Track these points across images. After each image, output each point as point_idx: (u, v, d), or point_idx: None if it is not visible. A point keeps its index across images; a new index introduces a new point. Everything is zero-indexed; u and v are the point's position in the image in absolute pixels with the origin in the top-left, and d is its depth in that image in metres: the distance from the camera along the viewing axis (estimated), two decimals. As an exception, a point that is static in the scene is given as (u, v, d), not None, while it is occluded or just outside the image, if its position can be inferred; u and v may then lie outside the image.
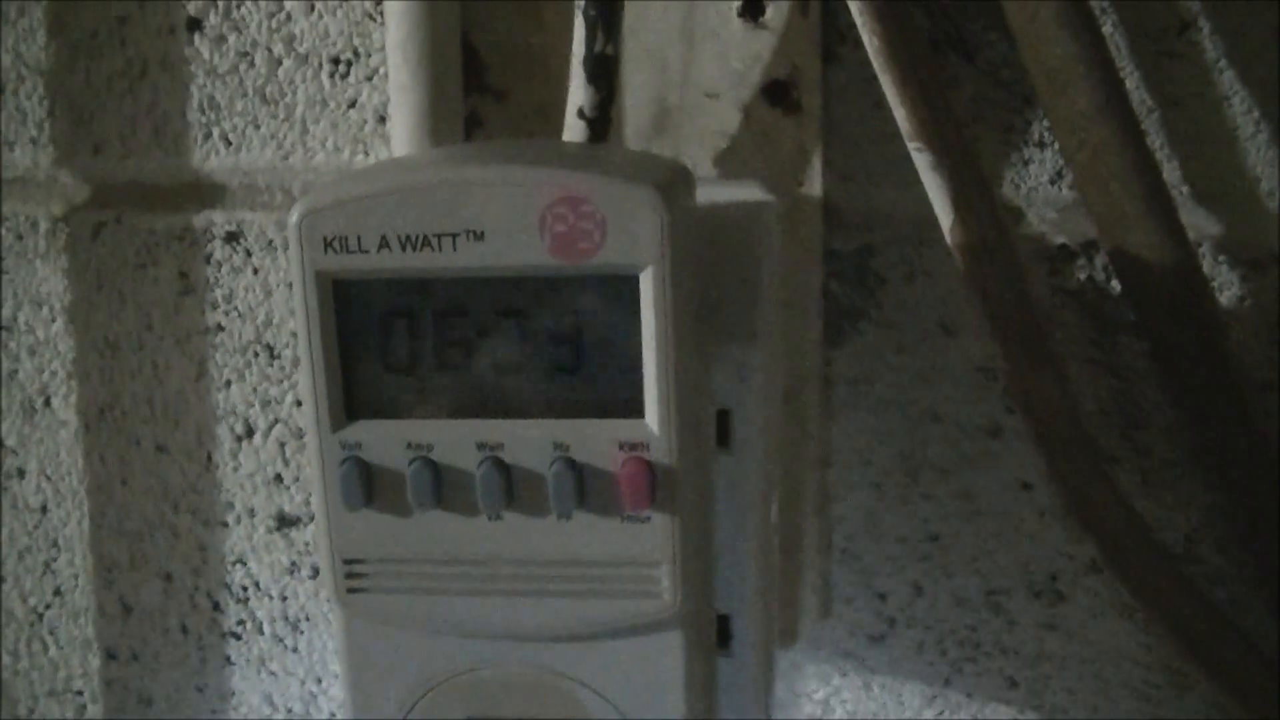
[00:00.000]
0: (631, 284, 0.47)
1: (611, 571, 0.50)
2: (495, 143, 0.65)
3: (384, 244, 0.47)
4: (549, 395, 0.49)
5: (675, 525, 0.49)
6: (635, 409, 0.48)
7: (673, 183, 0.48)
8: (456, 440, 0.49)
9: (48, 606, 0.79)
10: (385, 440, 0.49)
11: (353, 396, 0.49)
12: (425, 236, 0.46)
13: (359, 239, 0.47)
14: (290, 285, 0.70)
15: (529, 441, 0.49)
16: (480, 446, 0.49)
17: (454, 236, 0.46)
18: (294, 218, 0.47)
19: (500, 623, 0.51)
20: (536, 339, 0.48)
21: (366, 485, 0.49)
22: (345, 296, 0.48)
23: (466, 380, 0.49)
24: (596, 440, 0.48)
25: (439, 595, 0.51)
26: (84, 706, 0.80)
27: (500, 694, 0.53)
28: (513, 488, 0.49)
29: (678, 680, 0.51)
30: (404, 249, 0.47)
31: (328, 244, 0.47)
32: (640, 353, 0.48)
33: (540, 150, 0.54)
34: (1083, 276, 0.67)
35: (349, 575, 0.51)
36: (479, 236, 0.46)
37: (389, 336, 0.49)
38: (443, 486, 0.49)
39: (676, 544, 0.49)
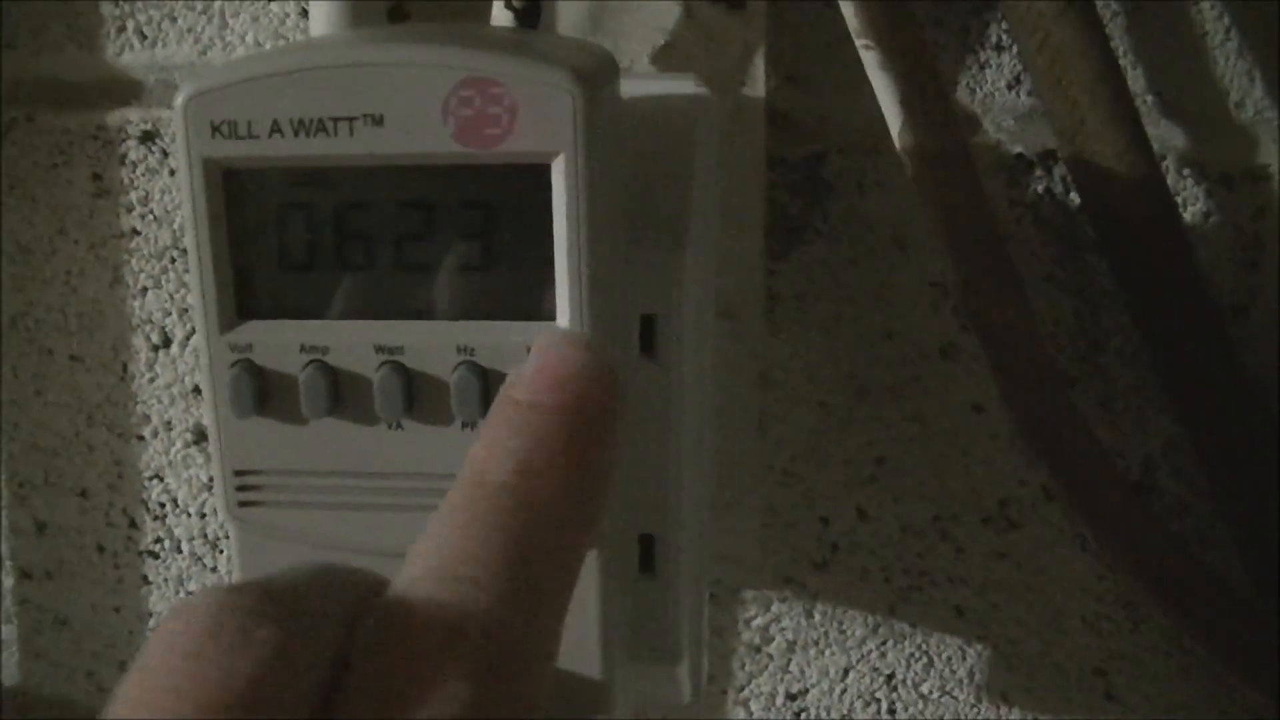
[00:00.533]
0: (543, 174, 0.45)
1: None
2: (405, 25, 0.63)
3: (276, 129, 0.44)
4: (454, 295, 0.47)
5: None
6: (546, 311, 0.46)
7: (591, 68, 0.46)
8: (353, 343, 0.47)
9: None
10: (277, 342, 0.47)
11: (243, 295, 0.47)
12: (320, 120, 0.44)
13: (249, 124, 0.44)
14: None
15: (431, 345, 0.47)
16: (379, 350, 0.47)
17: (351, 121, 0.44)
18: (179, 100, 0.45)
19: (400, 539, 0.48)
20: (440, 234, 0.46)
21: (258, 391, 0.47)
22: (235, 186, 0.46)
23: (365, 278, 0.47)
24: (504, 344, 0.46)
25: (336, 509, 0.49)
26: (-2, 627, 0.80)
27: None
28: (413, 394, 0.47)
29: (591, 604, 0.49)
30: (297, 134, 0.44)
31: (215, 128, 0.44)
32: (551, 249, 0.46)
33: (450, 33, 0.53)
34: (1040, 189, 0.66)
35: (240, 488, 0.49)
36: (378, 121, 0.44)
37: (282, 230, 0.47)
38: (339, 392, 0.47)
39: None
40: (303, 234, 0.47)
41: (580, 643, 0.50)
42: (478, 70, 0.43)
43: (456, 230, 0.46)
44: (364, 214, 0.46)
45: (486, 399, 0.46)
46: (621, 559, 0.51)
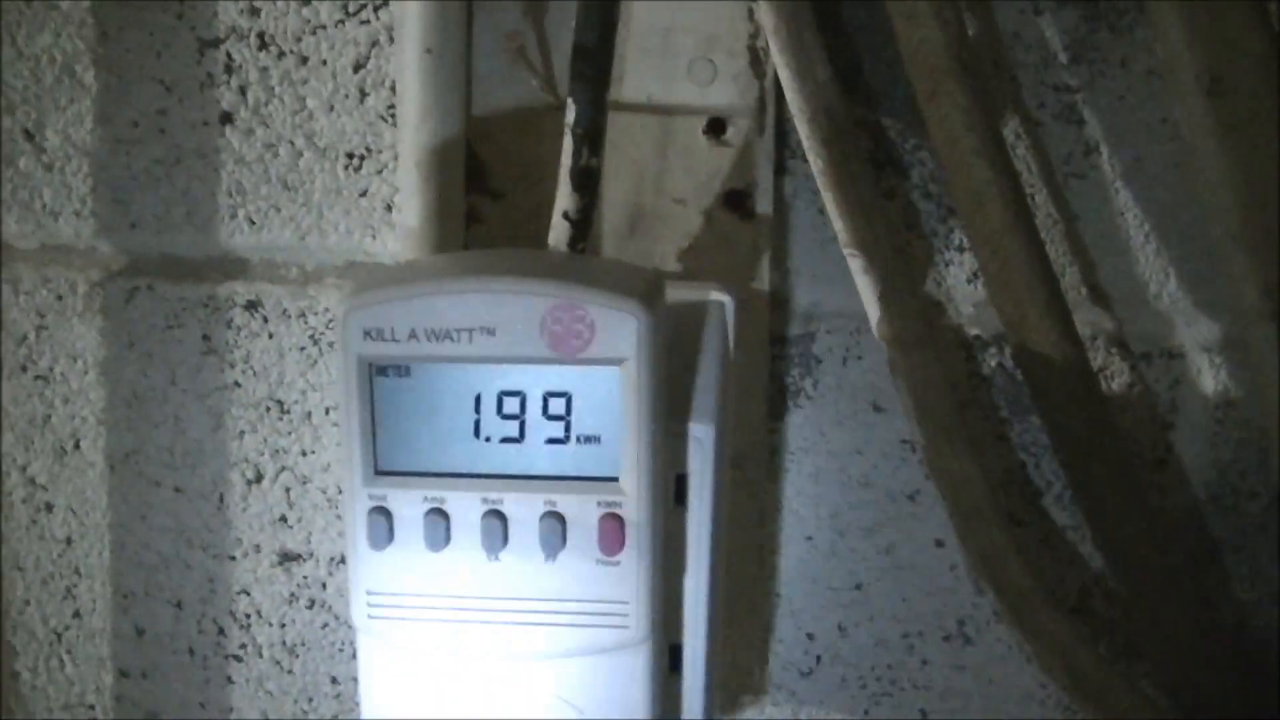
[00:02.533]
0: (613, 374, 0.54)
1: (589, 605, 0.57)
2: (501, 252, 0.70)
3: (413, 335, 0.54)
4: (542, 461, 0.56)
5: (641, 568, 0.56)
6: (613, 474, 0.56)
7: (648, 291, 0.55)
8: (465, 495, 0.56)
9: (66, 628, 0.80)
10: (406, 494, 0.56)
11: (380, 457, 0.56)
12: (447, 330, 0.54)
13: (392, 330, 0.54)
14: (302, 348, 0.74)
15: (524, 498, 0.56)
16: (484, 501, 0.56)
17: (470, 331, 0.54)
18: (342, 311, 0.54)
19: (495, 646, 0.58)
20: (533, 415, 0.56)
21: (389, 530, 0.56)
22: (379, 376, 0.55)
23: (475, 447, 0.56)
24: (579, 498, 0.56)
25: (445, 624, 0.58)
26: None
27: (492, 706, 0.59)
28: (508, 535, 0.56)
29: (642, 697, 0.58)
30: (429, 340, 0.54)
31: (366, 334, 0.54)
32: (618, 430, 0.55)
33: (540, 261, 0.61)
34: (994, 363, 0.71)
35: (370, 605, 0.58)
36: (490, 333, 0.53)
37: (412, 410, 0.56)
38: (451, 533, 0.56)
39: (642, 583, 0.56)
40: (428, 413, 0.56)
41: None
42: (567, 297, 0.53)
43: (545, 413, 0.55)
44: (475, 399, 0.56)
45: (564, 539, 0.56)
46: (660, 660, 0.60)
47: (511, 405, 0.56)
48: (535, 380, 0.55)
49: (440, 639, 0.58)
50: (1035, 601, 0.67)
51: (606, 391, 0.55)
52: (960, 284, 0.71)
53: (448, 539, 0.57)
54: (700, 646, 0.61)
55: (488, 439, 0.56)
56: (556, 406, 0.55)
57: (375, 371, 0.55)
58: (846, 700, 0.77)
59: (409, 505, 0.57)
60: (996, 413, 0.72)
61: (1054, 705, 0.75)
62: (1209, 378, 0.71)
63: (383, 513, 0.57)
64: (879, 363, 0.70)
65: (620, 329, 0.53)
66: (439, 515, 0.56)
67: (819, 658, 0.76)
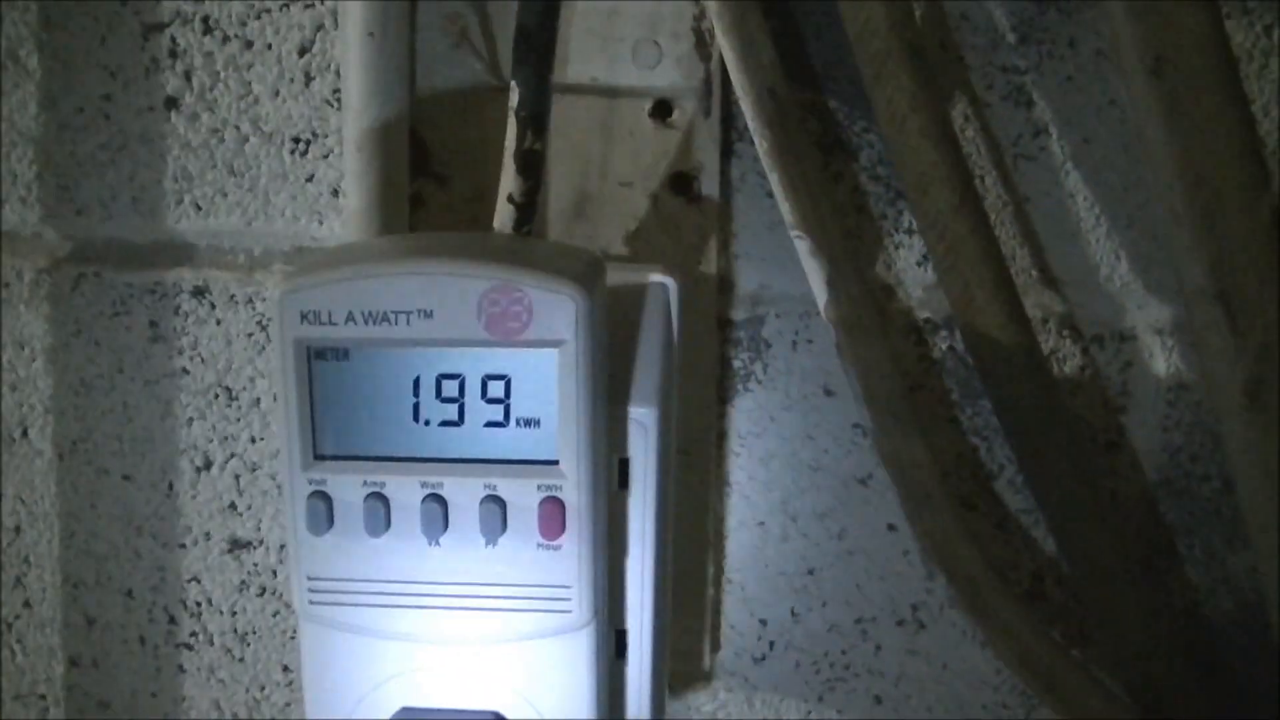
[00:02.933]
0: (551, 357, 0.54)
1: (530, 590, 0.57)
2: (440, 235, 0.70)
3: (350, 318, 0.54)
4: (481, 444, 0.56)
5: (583, 552, 0.56)
6: (552, 458, 0.55)
7: (587, 273, 0.55)
8: (404, 479, 0.56)
9: (17, 617, 0.80)
10: (345, 478, 0.56)
11: (319, 441, 0.56)
12: (384, 313, 0.53)
13: (329, 313, 0.54)
14: (249, 334, 0.74)
15: (464, 482, 0.56)
16: (423, 485, 0.56)
17: (408, 314, 0.53)
18: (277, 294, 0.54)
19: (436, 631, 0.58)
20: (472, 399, 0.55)
21: (328, 515, 0.56)
22: (317, 360, 0.55)
23: (414, 431, 0.56)
24: (519, 482, 0.55)
25: (386, 608, 0.57)
26: (47, 709, 0.82)
27: (432, 691, 0.59)
28: (449, 518, 0.56)
29: (585, 682, 0.58)
30: (366, 323, 0.53)
31: (304, 317, 0.54)
32: (557, 413, 0.55)
33: (479, 243, 0.61)
34: (945, 346, 0.71)
35: (311, 590, 0.58)
36: (429, 315, 0.53)
37: (351, 394, 0.56)
38: (391, 517, 0.56)
39: (583, 568, 0.56)
40: (367, 396, 0.56)
41: (576, 712, 0.59)
42: (503, 279, 0.53)
43: (484, 396, 0.55)
44: (414, 382, 0.56)
45: (505, 523, 0.56)
46: (605, 646, 0.60)
47: (450, 388, 0.55)
48: (474, 363, 0.55)
49: (381, 624, 0.58)
50: (987, 587, 0.67)
51: (545, 374, 0.55)
52: (910, 267, 0.71)
53: (388, 524, 0.57)
54: (646, 632, 0.62)
55: (427, 422, 0.56)
56: (495, 389, 0.55)
57: (313, 355, 0.55)
58: (800, 686, 0.77)
59: (348, 489, 0.56)
60: (948, 396, 0.72)
61: (1009, 690, 0.75)
62: (1160, 360, 0.71)
63: (322, 497, 0.56)
64: (829, 346, 0.69)
65: (558, 311, 0.53)
66: (378, 500, 0.56)
67: (772, 644, 0.76)
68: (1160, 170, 0.59)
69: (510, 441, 0.56)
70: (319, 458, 0.57)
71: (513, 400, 0.55)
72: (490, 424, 0.56)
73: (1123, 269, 0.70)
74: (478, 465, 0.56)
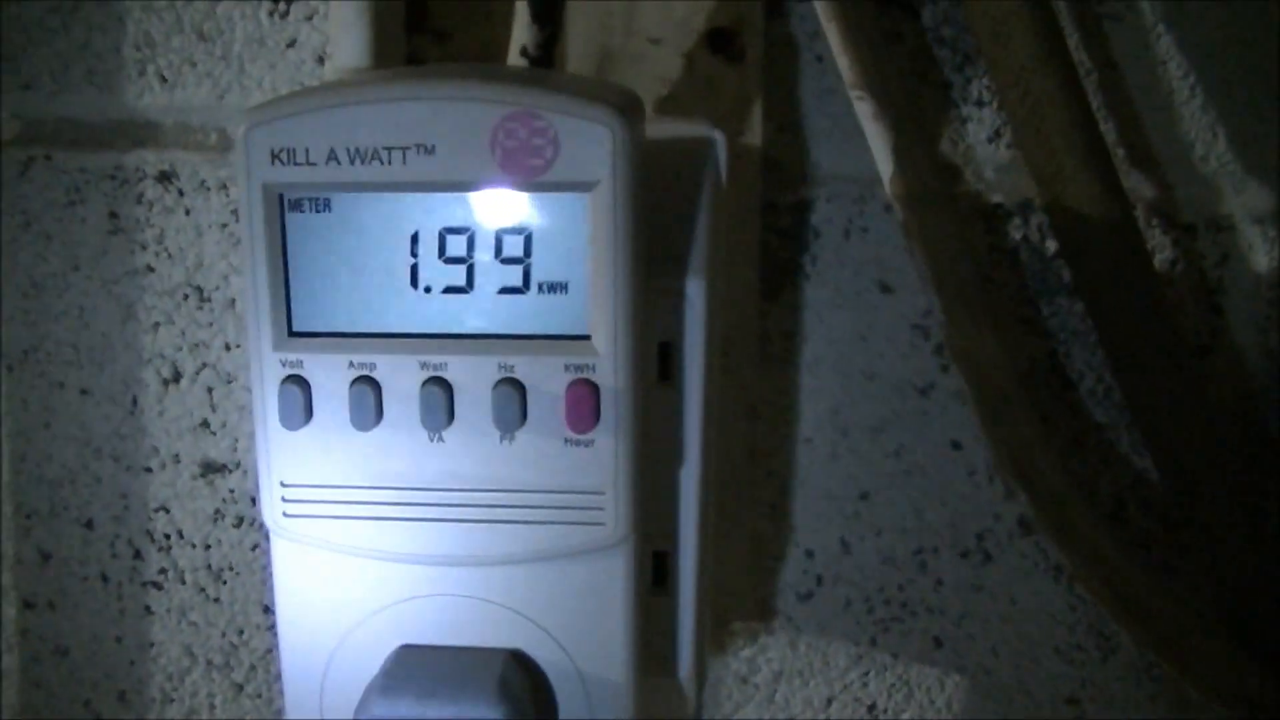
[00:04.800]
0: (582, 203, 0.47)
1: (554, 497, 0.50)
2: (444, 64, 0.65)
3: (332, 157, 0.47)
4: (495, 316, 0.49)
5: (620, 450, 0.49)
6: (582, 331, 0.49)
7: (625, 104, 0.48)
8: (399, 360, 0.49)
9: None
10: (326, 359, 0.49)
11: (294, 314, 0.50)
12: (375, 149, 0.47)
13: (306, 151, 0.47)
14: (223, 225, 0.71)
15: (473, 362, 0.49)
16: (423, 366, 0.49)
17: (403, 150, 0.47)
18: (241, 129, 0.47)
19: (439, 548, 0.51)
20: (483, 259, 0.49)
21: (306, 405, 0.50)
22: (291, 212, 0.48)
23: (412, 299, 0.49)
24: (542, 361, 0.49)
25: (377, 520, 0.51)
26: (-1, 656, 0.79)
27: (435, 623, 0.53)
28: (455, 408, 0.49)
29: (618, 612, 0.51)
30: (353, 162, 0.47)
31: (275, 156, 0.47)
32: (589, 276, 0.48)
33: (495, 70, 0.55)
34: (1018, 236, 0.68)
35: (285, 500, 0.51)
36: (429, 151, 0.46)
37: (333, 253, 0.49)
38: (384, 407, 0.50)
39: (620, 469, 0.50)
40: (352, 257, 0.49)
41: (606, 648, 0.52)
42: (523, 104, 0.46)
43: (499, 255, 0.48)
44: (412, 238, 0.49)
45: (525, 413, 0.49)
46: (642, 571, 0.53)
47: (457, 245, 0.48)
48: (486, 213, 0.48)
49: (372, 541, 0.52)
50: (1073, 505, 0.66)
51: (574, 226, 0.48)
52: (980, 143, 0.67)
53: (379, 415, 0.50)
54: (689, 556, 0.56)
55: (427, 289, 0.49)
56: (513, 247, 0.48)
57: (287, 205, 0.48)
58: (850, 626, 0.74)
59: (330, 373, 0.50)
60: (1022, 293, 0.68)
61: (1084, 630, 0.72)
62: (1261, 253, 0.68)
63: (298, 383, 0.50)
64: (886, 235, 0.67)
65: (590, 144, 0.46)
66: (368, 385, 0.49)
67: (819, 578, 0.73)
68: (1268, 34, 0.58)
69: (530, 312, 0.50)
70: (294, 334, 0.50)
71: (534, 260, 0.49)
72: (505, 290, 0.49)
73: (1219, 147, 0.67)
74: (490, 341, 0.49)
